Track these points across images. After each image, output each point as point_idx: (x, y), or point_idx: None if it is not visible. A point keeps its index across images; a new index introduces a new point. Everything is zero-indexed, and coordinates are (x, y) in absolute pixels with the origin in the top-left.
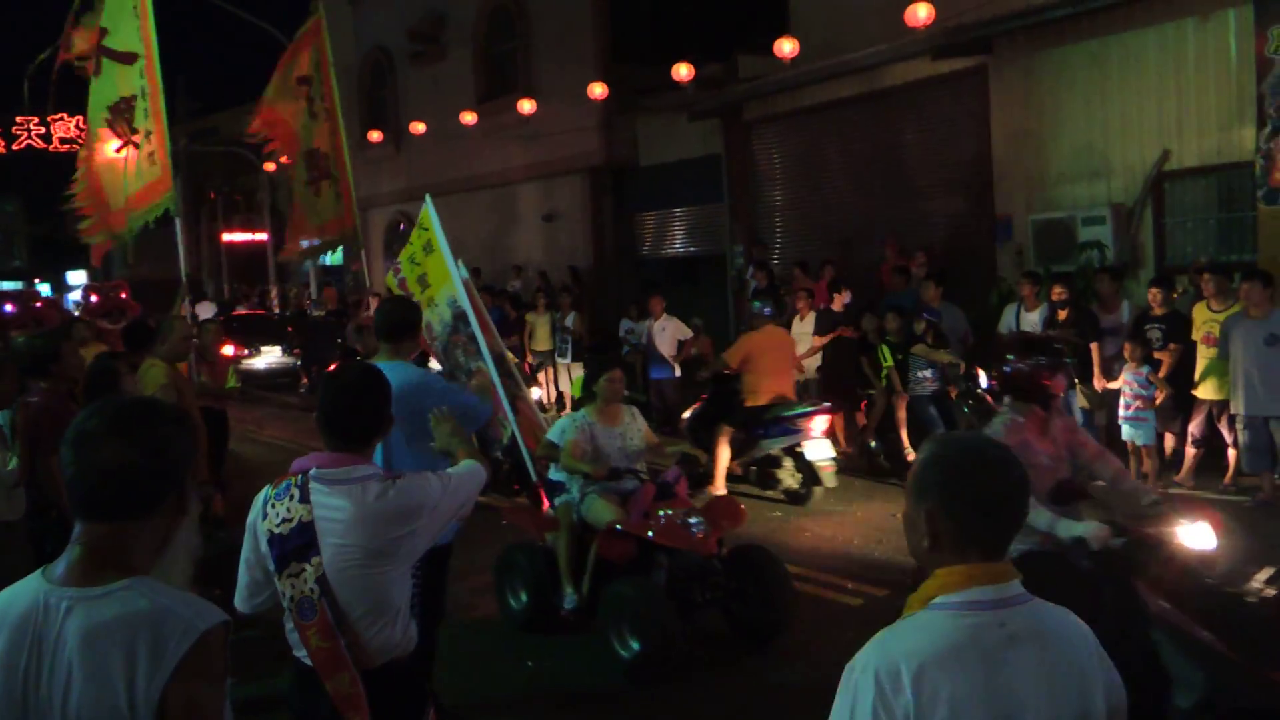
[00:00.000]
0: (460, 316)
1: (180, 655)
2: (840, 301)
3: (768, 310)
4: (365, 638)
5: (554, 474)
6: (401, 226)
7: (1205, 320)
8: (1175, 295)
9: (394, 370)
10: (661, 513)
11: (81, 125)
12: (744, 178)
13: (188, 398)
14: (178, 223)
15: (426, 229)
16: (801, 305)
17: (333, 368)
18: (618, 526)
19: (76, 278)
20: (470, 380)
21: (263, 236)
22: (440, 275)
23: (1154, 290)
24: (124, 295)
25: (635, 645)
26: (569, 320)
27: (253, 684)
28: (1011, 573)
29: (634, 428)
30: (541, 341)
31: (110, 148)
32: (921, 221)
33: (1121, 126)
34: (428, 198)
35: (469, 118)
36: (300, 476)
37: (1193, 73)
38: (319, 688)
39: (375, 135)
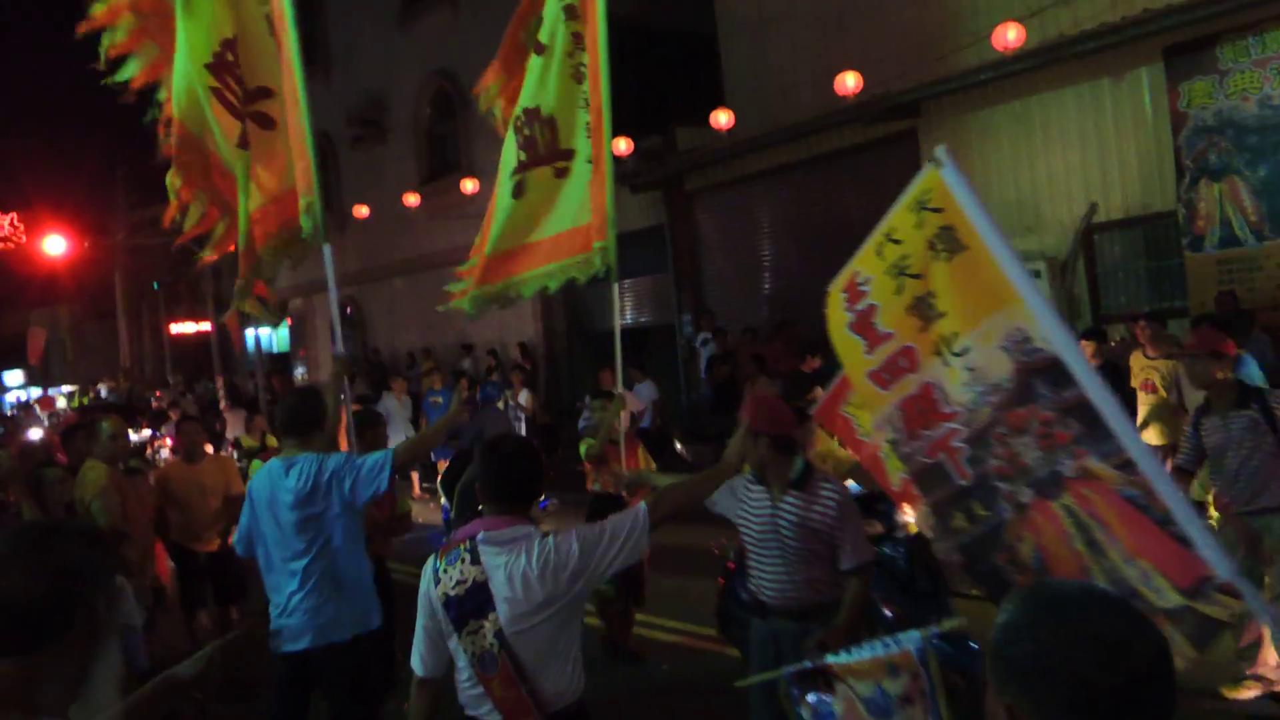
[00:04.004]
0: (1038, 371)
1: None
2: (811, 365)
3: None
4: (542, 684)
5: None
6: (349, 311)
7: (1142, 367)
8: (1113, 344)
9: (300, 462)
10: None
11: (16, 223)
12: (689, 247)
13: (130, 501)
14: (120, 317)
15: (939, 209)
16: (751, 371)
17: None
18: None
19: (13, 378)
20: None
21: (206, 327)
22: (979, 291)
23: (1084, 343)
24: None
25: None
26: (522, 398)
27: None
28: None
29: None
30: None
31: (218, 130)
32: None
33: (1049, 182)
34: (940, 151)
35: (412, 199)
36: (469, 541)
37: (1112, 129)
38: None
39: None
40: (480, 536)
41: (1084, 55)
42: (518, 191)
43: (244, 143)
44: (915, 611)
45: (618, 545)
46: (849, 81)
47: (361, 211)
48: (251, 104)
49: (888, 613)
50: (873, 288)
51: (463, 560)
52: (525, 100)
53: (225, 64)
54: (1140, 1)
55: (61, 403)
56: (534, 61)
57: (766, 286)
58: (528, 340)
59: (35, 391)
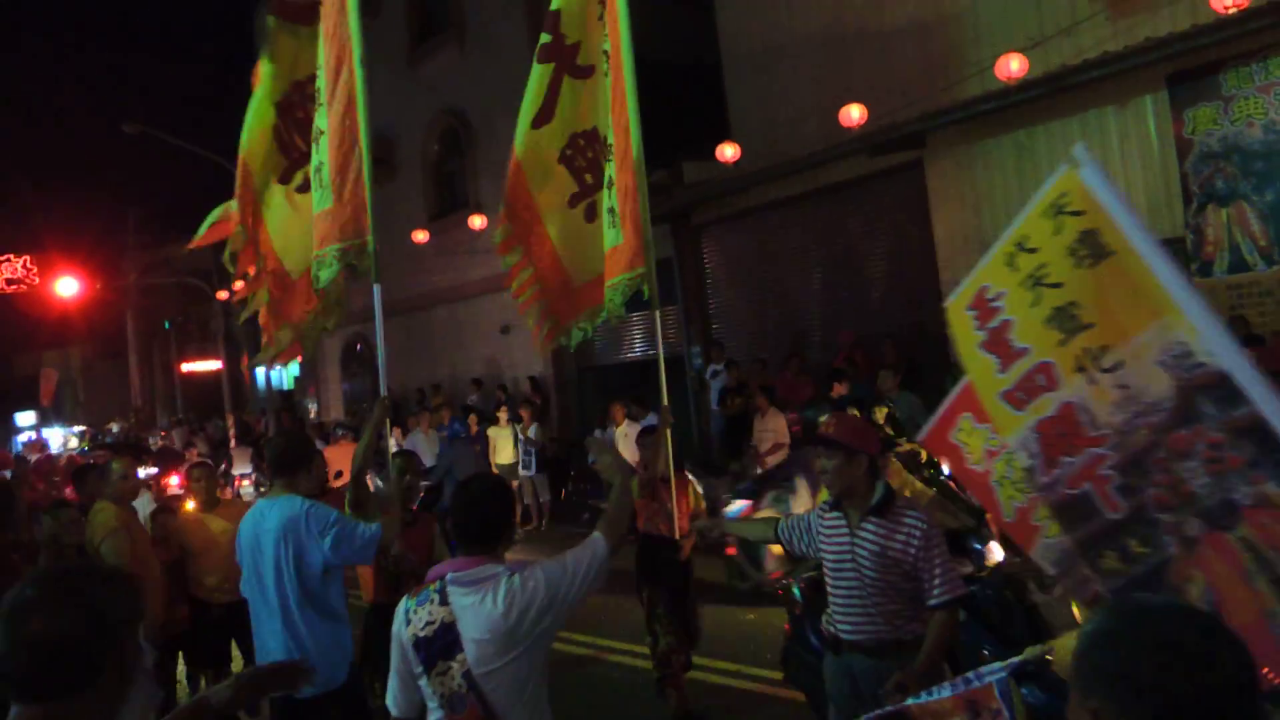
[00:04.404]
0: (1203, 388)
1: None
2: (839, 391)
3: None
4: None
5: None
6: (359, 347)
7: None
8: None
9: (281, 504)
10: None
11: (29, 265)
12: (696, 279)
13: (141, 542)
14: (131, 356)
15: (1079, 211)
16: (761, 402)
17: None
18: None
19: (25, 419)
20: None
21: (217, 365)
22: (1130, 301)
23: None
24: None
25: None
26: (531, 432)
27: None
28: None
29: None
30: (504, 455)
31: (279, 186)
32: (874, 311)
33: None
34: (1079, 150)
35: (421, 235)
36: (439, 582)
37: (1118, 156)
38: None
39: None
40: (449, 577)
41: (1087, 84)
42: (590, 215)
43: (305, 186)
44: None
45: (579, 577)
46: (854, 113)
47: None
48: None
49: (979, 660)
50: (1007, 302)
51: (432, 601)
52: (576, 123)
53: (293, 104)
54: (1142, 30)
55: (73, 442)
56: (574, 85)
57: (775, 317)
58: (537, 374)
59: (46, 432)
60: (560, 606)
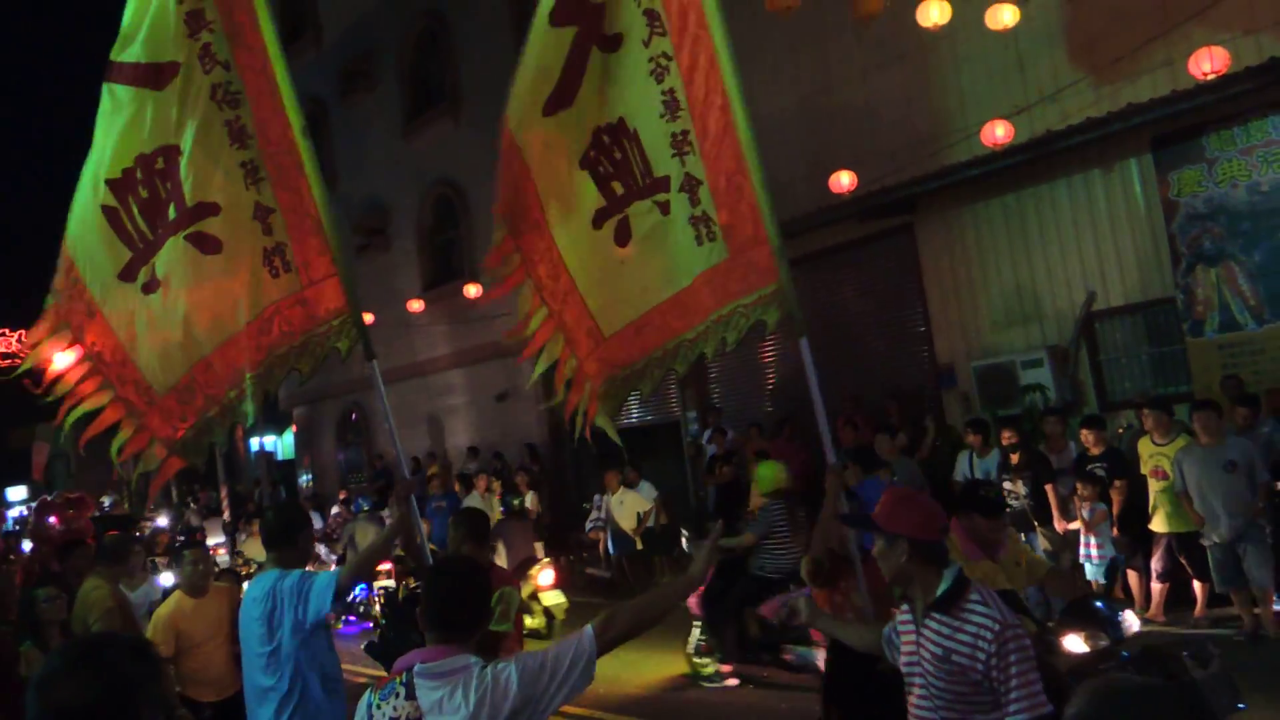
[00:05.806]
0: None
1: None
2: (890, 448)
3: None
4: None
5: None
6: (354, 416)
7: (1151, 454)
8: (1120, 431)
9: (261, 580)
10: None
11: (24, 339)
12: None
13: (131, 623)
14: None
15: None
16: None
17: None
18: None
19: (16, 493)
20: None
21: None
22: None
23: (1085, 432)
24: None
25: None
26: (526, 500)
27: None
28: None
29: None
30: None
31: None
32: (867, 374)
33: (1047, 272)
34: None
35: (416, 305)
36: (405, 674)
37: (1106, 218)
38: None
39: None
40: (416, 668)
41: (1072, 149)
42: (622, 239)
43: (152, 285)
44: None
45: (560, 676)
46: (844, 179)
47: (367, 319)
48: (190, 224)
49: None
50: None
51: (396, 695)
52: (598, 114)
53: (135, 181)
54: (1124, 95)
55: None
56: (597, 61)
57: (771, 381)
58: (534, 442)
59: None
60: (536, 706)
